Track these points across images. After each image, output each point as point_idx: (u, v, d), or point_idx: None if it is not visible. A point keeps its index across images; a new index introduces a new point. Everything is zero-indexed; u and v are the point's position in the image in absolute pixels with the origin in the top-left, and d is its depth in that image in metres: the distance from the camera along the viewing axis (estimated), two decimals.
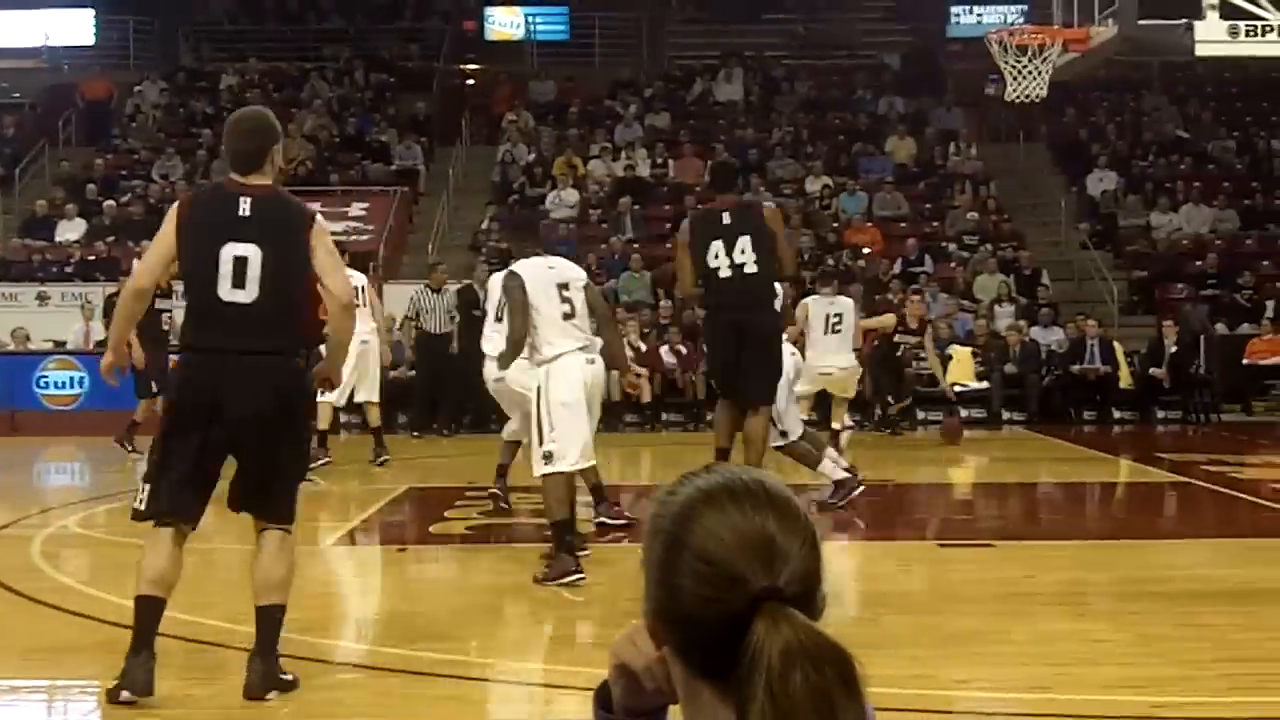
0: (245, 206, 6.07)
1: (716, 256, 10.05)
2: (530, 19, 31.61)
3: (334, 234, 22.44)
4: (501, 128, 28.24)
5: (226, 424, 5.93)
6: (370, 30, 31.67)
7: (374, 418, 15.55)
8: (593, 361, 8.64)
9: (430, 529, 11.19)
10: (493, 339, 10.60)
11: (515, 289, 8.62)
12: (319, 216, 6.32)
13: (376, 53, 30.89)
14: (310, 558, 9.91)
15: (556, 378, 8.50)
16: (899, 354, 18.27)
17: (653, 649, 1.97)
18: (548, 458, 8.45)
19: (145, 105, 29.14)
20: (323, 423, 14.45)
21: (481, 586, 8.92)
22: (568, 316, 8.61)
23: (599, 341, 8.82)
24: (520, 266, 8.80)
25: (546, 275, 8.73)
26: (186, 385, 6.13)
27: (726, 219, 10.08)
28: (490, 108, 29.70)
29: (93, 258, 23.49)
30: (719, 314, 10.37)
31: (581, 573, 8.40)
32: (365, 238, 23.63)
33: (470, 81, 31.70)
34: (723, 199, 10.44)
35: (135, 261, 18.96)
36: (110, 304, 16.09)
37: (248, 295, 5.98)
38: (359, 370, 14.52)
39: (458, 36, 31.60)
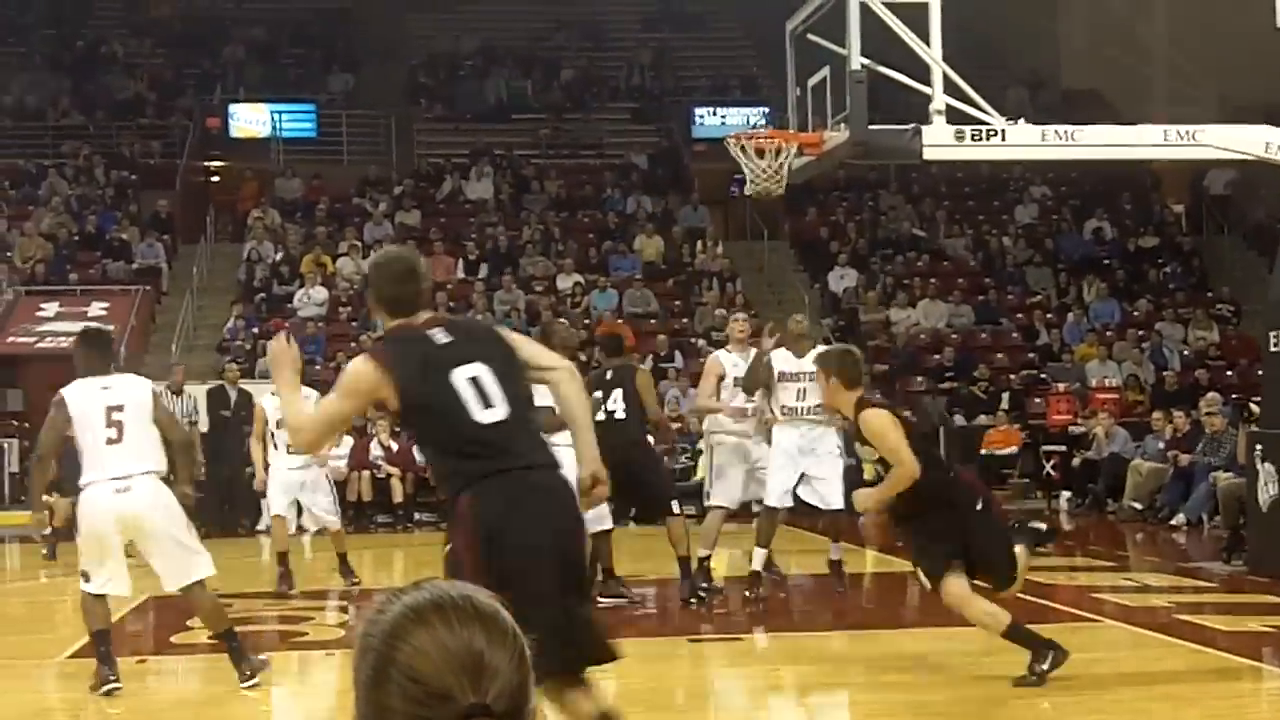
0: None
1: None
2: (276, 116, 31.36)
3: (73, 334, 21.82)
4: (247, 225, 27.91)
5: None
6: (111, 127, 31.04)
7: None
8: (124, 491, 8.35)
9: (172, 639, 10.84)
10: None
11: (54, 411, 8.50)
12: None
13: (117, 150, 30.32)
14: (46, 671, 9.55)
15: (81, 512, 8.46)
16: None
17: None
18: (84, 576, 8.55)
19: None
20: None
21: (220, 696, 8.78)
22: (112, 442, 8.35)
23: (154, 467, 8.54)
24: (69, 388, 8.60)
25: (97, 397, 8.51)
26: None
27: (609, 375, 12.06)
28: (235, 205, 29.37)
29: None
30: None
31: (118, 684, 8.51)
32: None
33: (215, 179, 31.36)
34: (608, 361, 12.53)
35: None
36: None
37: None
38: None
39: (202, 134, 31.19)
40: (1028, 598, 12.17)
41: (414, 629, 1.93)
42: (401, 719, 1.90)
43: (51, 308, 24.23)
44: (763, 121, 27.52)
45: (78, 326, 23.10)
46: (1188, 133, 12.86)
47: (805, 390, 11.55)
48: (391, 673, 1.91)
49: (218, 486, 19.37)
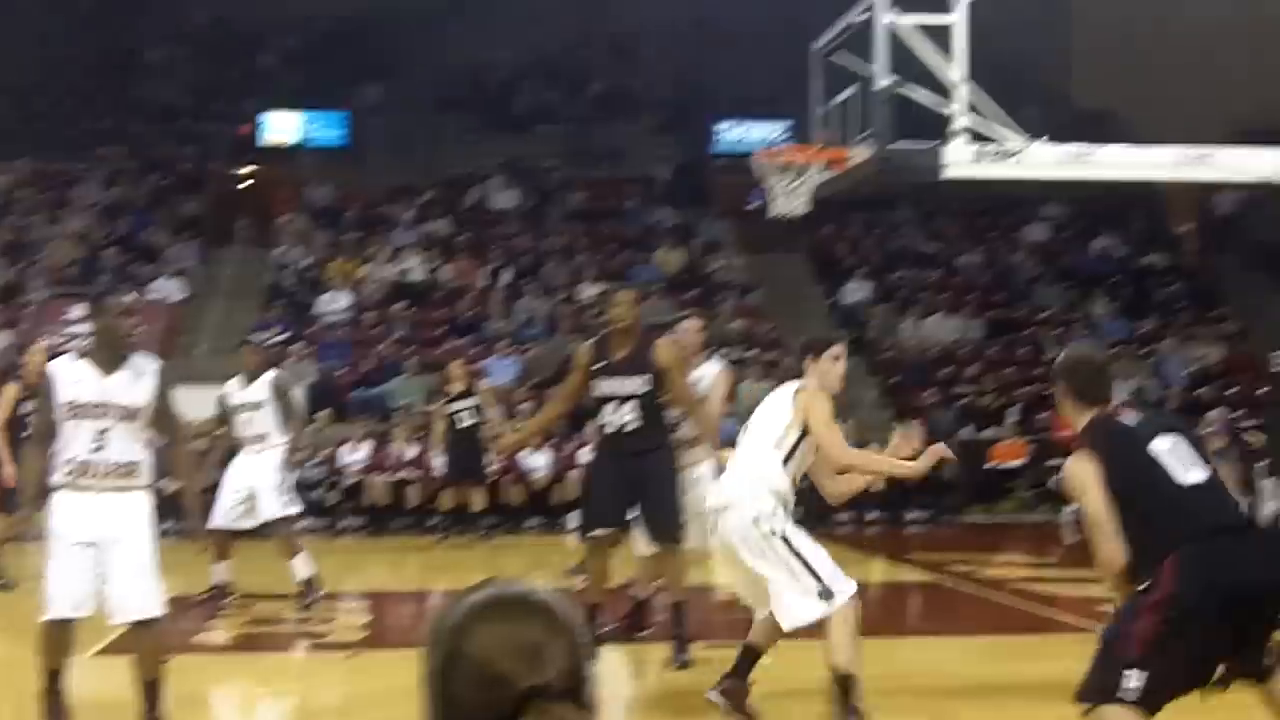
0: None
1: None
2: (308, 124, 31.89)
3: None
4: (278, 231, 28.41)
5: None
6: (146, 132, 31.59)
7: None
8: None
9: (196, 639, 11.18)
10: None
11: None
12: None
13: (151, 154, 30.83)
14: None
15: None
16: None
17: None
18: None
19: None
20: None
21: (250, 696, 9.19)
22: None
23: None
24: None
25: None
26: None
27: None
28: (266, 211, 29.84)
29: None
30: None
31: None
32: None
33: (246, 185, 31.85)
34: None
35: None
36: None
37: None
38: None
39: (234, 140, 31.70)
40: (1034, 610, 12.49)
41: (478, 624, 2.17)
42: (469, 704, 2.12)
43: (78, 310, 24.54)
44: (784, 137, 27.96)
45: None
46: (1201, 155, 13.15)
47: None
48: (459, 663, 2.14)
49: None
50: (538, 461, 21.02)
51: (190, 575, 14.09)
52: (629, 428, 9.37)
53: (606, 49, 35.69)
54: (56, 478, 7.18)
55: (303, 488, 20.71)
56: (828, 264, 29.51)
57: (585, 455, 21.01)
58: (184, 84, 33.43)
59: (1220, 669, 5.69)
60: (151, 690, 7.38)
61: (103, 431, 7.09)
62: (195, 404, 20.53)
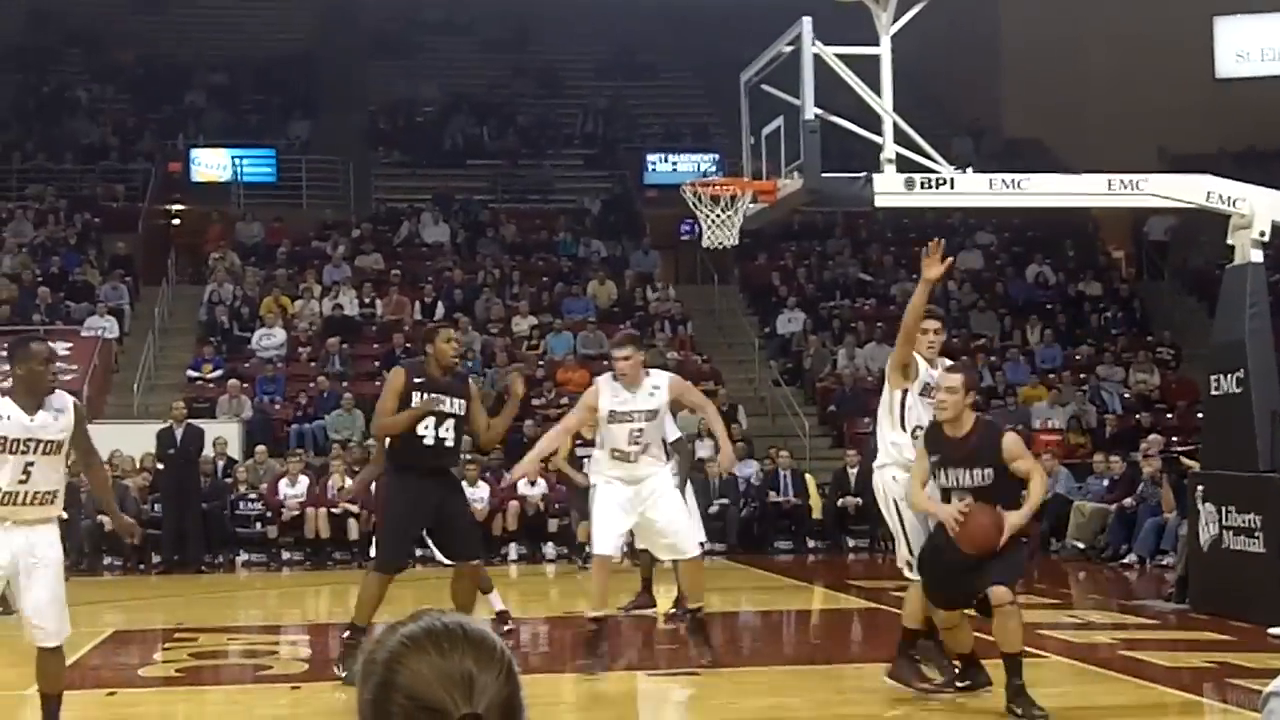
0: None
1: None
2: (237, 161, 31.69)
3: None
4: (208, 267, 28.20)
5: None
6: (76, 171, 31.35)
7: None
8: None
9: (140, 672, 11.12)
10: None
11: None
12: None
13: (82, 193, 30.60)
14: (17, 705, 9.74)
15: None
16: None
17: None
18: None
19: None
20: None
21: None
22: None
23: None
24: None
25: None
26: None
27: None
28: (197, 248, 29.66)
29: None
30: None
31: None
32: (69, 378, 23.28)
33: (176, 222, 31.65)
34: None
35: None
36: None
37: None
38: None
39: (164, 178, 31.50)
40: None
41: (411, 655, 2.16)
42: None
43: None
44: (714, 169, 28.02)
45: None
46: (1131, 181, 13.14)
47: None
48: (392, 694, 2.14)
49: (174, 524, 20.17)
50: (479, 493, 20.84)
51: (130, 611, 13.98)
52: (447, 443, 9.98)
53: (534, 82, 35.76)
54: None
55: (244, 521, 20.91)
56: (761, 294, 29.55)
57: (523, 488, 21.07)
58: (113, 123, 33.21)
59: None
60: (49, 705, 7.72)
61: (29, 465, 7.49)
62: (131, 439, 20.84)
